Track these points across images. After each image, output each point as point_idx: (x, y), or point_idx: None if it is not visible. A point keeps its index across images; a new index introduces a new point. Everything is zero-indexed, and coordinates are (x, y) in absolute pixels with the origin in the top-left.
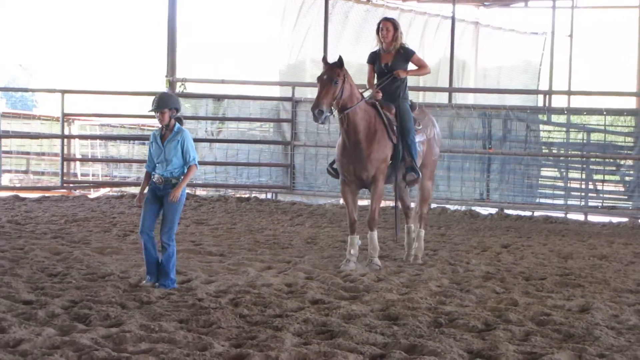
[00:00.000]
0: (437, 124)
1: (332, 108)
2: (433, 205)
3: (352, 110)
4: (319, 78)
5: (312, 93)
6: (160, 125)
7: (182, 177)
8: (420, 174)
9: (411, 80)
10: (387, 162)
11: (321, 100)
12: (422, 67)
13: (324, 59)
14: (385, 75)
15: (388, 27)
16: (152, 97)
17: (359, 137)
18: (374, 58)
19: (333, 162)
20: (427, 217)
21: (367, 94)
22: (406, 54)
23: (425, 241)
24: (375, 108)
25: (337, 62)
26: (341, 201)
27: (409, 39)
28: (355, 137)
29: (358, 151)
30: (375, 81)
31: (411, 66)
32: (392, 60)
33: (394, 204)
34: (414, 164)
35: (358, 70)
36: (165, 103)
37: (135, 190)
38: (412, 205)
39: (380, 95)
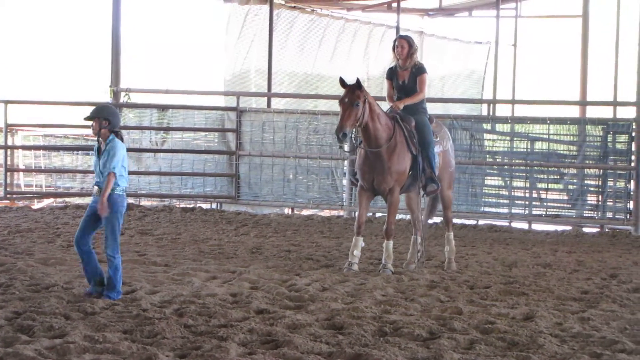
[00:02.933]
0: (450, 137)
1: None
2: (378, 215)
3: (373, 125)
4: (341, 101)
5: (257, 102)
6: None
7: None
8: (439, 184)
9: None
10: (405, 174)
11: (344, 123)
12: (419, 92)
13: (341, 81)
14: (403, 91)
15: (403, 45)
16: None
17: (381, 150)
18: (391, 74)
19: (356, 173)
20: (452, 221)
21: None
22: (417, 72)
23: (369, 250)
24: (395, 121)
25: (356, 84)
26: (286, 210)
27: (353, 48)
28: (377, 149)
29: (379, 162)
30: (395, 97)
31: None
32: (407, 78)
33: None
34: (433, 175)
35: (303, 79)
36: (96, 112)
37: (79, 200)
38: (422, 217)
39: (400, 107)
